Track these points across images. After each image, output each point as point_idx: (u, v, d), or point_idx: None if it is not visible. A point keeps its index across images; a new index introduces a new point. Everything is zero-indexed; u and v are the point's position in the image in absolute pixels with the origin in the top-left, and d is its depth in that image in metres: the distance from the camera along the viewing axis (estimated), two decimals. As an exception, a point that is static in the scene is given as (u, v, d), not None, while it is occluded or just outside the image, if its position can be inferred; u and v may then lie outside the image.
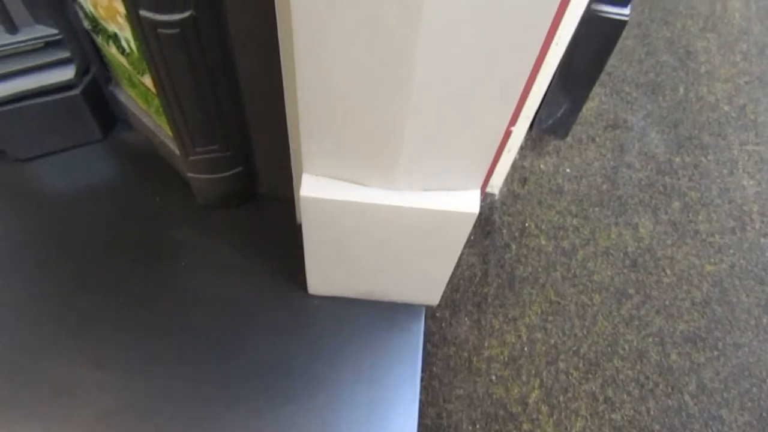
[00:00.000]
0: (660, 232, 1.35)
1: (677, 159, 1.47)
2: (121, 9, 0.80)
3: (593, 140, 1.50)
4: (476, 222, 1.35)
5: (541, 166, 1.44)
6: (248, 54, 0.81)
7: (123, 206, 1.17)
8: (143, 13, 0.73)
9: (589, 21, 1.11)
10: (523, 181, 1.41)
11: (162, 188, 1.19)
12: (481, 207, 1.36)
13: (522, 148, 1.46)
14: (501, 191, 1.38)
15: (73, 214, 1.15)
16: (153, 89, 0.93)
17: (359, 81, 0.60)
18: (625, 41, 1.70)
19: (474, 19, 0.55)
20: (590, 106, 1.56)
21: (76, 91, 1.09)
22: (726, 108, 1.57)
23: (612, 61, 1.64)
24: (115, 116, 1.22)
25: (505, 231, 1.32)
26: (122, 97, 1.15)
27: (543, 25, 0.60)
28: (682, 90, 1.60)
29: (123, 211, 1.17)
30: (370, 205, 0.75)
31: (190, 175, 1.06)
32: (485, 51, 0.59)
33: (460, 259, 1.26)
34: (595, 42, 1.16)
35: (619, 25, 1.13)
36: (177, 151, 1.03)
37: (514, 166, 1.42)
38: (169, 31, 0.75)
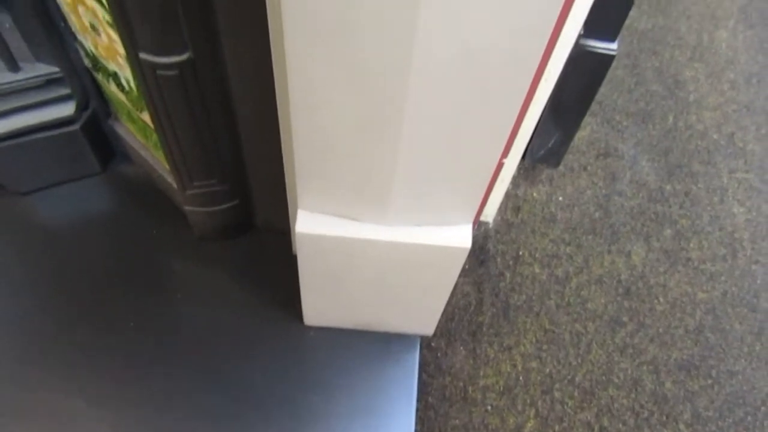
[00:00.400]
0: (652, 260, 1.37)
1: (668, 187, 1.49)
2: (121, 50, 0.82)
3: (585, 169, 1.52)
4: (471, 250, 1.37)
5: (535, 194, 1.46)
6: (245, 94, 0.83)
7: (121, 238, 1.19)
8: (143, 55, 0.76)
9: (578, 56, 1.14)
10: (517, 209, 1.42)
11: (159, 220, 1.21)
12: (476, 235, 1.38)
13: (515, 177, 1.48)
14: (495, 220, 1.40)
15: (71, 246, 1.17)
16: (151, 125, 0.95)
17: (351, 124, 0.62)
18: (615, 71, 1.73)
19: (463, 67, 0.57)
20: (582, 135, 1.59)
21: (76, 126, 1.11)
22: (715, 136, 1.60)
23: (602, 90, 1.68)
24: (113, 149, 1.24)
25: (499, 259, 1.33)
26: (121, 131, 1.17)
27: (530, 69, 0.62)
28: (671, 118, 1.63)
29: (121, 243, 1.18)
30: (364, 241, 0.77)
31: (187, 208, 1.07)
32: (474, 95, 0.61)
33: (454, 287, 1.27)
34: (584, 76, 1.19)
35: (607, 59, 1.16)
36: (174, 185, 1.05)
37: (508, 195, 1.44)
38: (167, 73, 0.77)
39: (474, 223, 1.43)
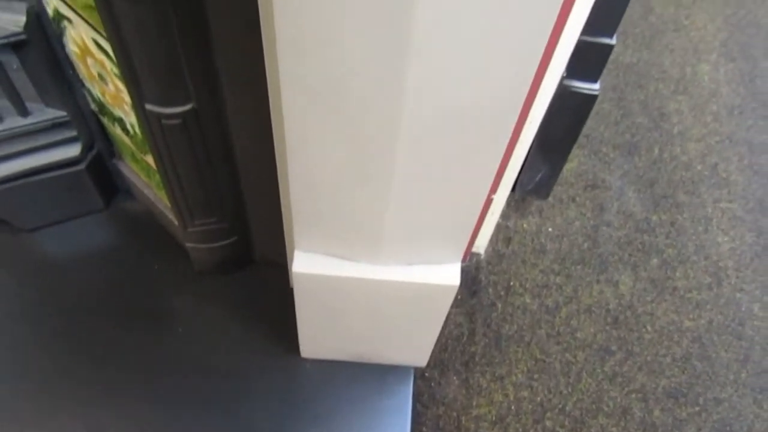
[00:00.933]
0: (640, 289, 1.41)
1: (654, 217, 1.54)
2: (127, 99, 0.87)
3: (574, 200, 1.57)
4: (463, 282, 1.40)
5: (525, 226, 1.50)
6: (244, 140, 0.88)
7: (123, 273, 1.22)
8: (149, 106, 0.80)
9: (562, 96, 1.19)
10: (508, 240, 1.47)
11: (160, 255, 1.24)
12: (468, 267, 1.42)
13: (506, 209, 1.53)
14: (486, 251, 1.44)
15: (74, 281, 1.20)
16: (154, 166, 1.00)
17: (344, 174, 0.66)
18: (602, 104, 1.79)
19: (448, 123, 0.62)
20: (570, 167, 1.64)
21: (81, 167, 1.15)
22: (699, 167, 1.65)
23: (589, 123, 1.73)
24: (116, 186, 1.29)
25: (491, 290, 1.37)
26: (125, 170, 1.22)
27: (512, 119, 0.67)
28: (656, 150, 1.69)
29: (123, 278, 1.22)
30: (359, 279, 0.81)
31: (188, 244, 1.11)
32: (459, 146, 0.66)
33: (447, 318, 1.31)
34: (568, 114, 1.24)
35: (591, 99, 1.21)
36: (176, 222, 1.09)
37: (499, 227, 1.48)
38: (171, 122, 0.82)
39: (465, 256, 1.46)
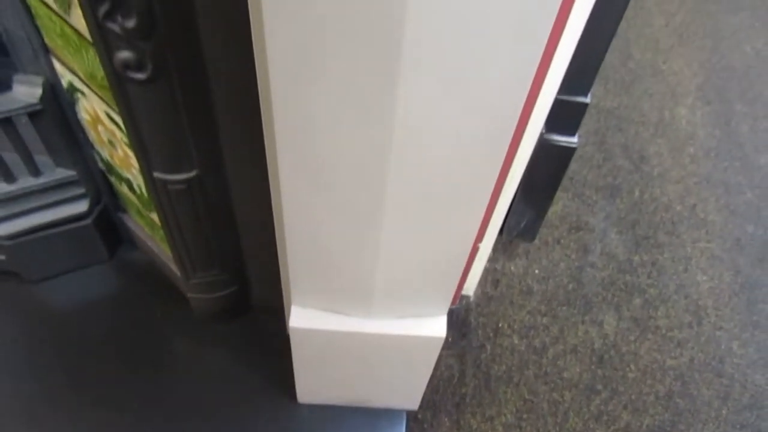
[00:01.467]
0: (623, 329, 1.46)
1: (636, 258, 1.61)
2: (135, 164, 0.94)
3: (558, 242, 1.63)
4: (453, 324, 1.46)
5: (512, 268, 1.57)
6: (245, 203, 0.94)
7: (126, 322, 1.28)
8: (156, 174, 0.87)
9: (542, 148, 1.27)
10: (496, 283, 1.53)
11: (162, 303, 1.30)
12: (457, 309, 1.47)
13: (494, 251, 1.59)
14: (475, 293, 1.50)
15: (80, 331, 1.25)
16: (159, 222, 1.06)
17: (336, 239, 0.73)
18: (585, 148, 1.87)
19: (429, 192, 0.68)
20: (554, 210, 1.71)
21: (88, 221, 1.21)
22: (678, 208, 1.72)
23: (573, 166, 1.81)
24: (121, 237, 1.35)
25: (480, 332, 1.42)
26: (129, 223, 1.28)
27: (491, 179, 0.72)
28: (637, 192, 1.76)
29: (126, 327, 1.27)
30: (351, 333, 0.86)
31: (190, 294, 1.17)
32: (442, 209, 0.73)
33: (438, 360, 1.36)
34: (549, 164, 1.32)
35: (569, 150, 1.29)
36: (178, 273, 1.15)
37: (487, 270, 1.54)
38: (177, 187, 0.89)
39: (455, 299, 1.52)
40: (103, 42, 0.69)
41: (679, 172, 1.82)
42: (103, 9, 0.65)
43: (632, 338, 1.44)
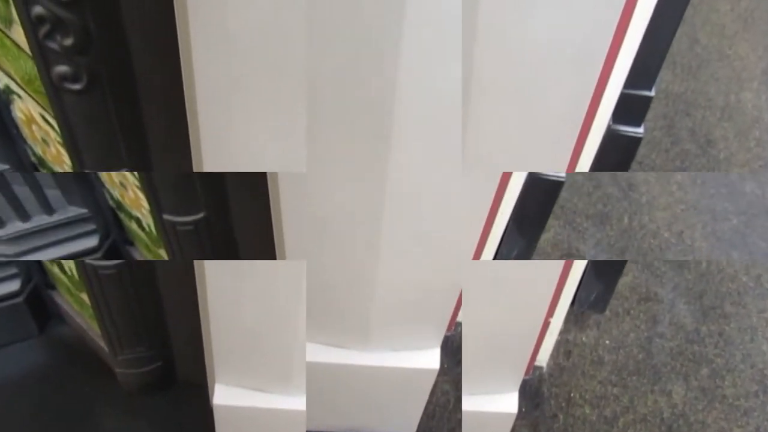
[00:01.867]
0: (691, 398, 1.58)
1: (703, 328, 1.72)
2: (145, 204, 1.03)
3: (628, 313, 1.78)
4: (526, 394, 1.64)
5: (583, 339, 1.73)
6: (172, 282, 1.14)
7: (55, 396, 1.35)
8: (166, 216, 1.01)
9: (610, 138, 1.40)
10: (568, 354, 1.69)
11: (90, 378, 1.37)
12: (531, 379, 1.65)
13: (566, 323, 1.76)
14: (548, 364, 1.67)
15: (4, 408, 1.33)
16: (87, 302, 1.18)
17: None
18: (653, 132, 1.97)
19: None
20: (623, 281, 1.85)
21: (20, 299, 1.31)
22: (744, 278, 1.81)
23: (641, 151, 1.91)
24: (50, 313, 1.42)
25: (552, 402, 1.59)
26: (59, 301, 1.38)
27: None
28: (704, 264, 1.87)
29: (55, 401, 1.35)
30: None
31: (117, 370, 1.28)
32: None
33: (434, 387, 1.47)
34: (618, 155, 1.47)
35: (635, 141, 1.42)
36: (106, 349, 1.26)
37: (559, 341, 1.71)
38: (185, 228, 1.02)
39: (528, 369, 1.71)
40: (42, 57, 0.76)
41: (744, 156, 1.90)
42: (43, 30, 0.72)
43: (700, 407, 1.56)
